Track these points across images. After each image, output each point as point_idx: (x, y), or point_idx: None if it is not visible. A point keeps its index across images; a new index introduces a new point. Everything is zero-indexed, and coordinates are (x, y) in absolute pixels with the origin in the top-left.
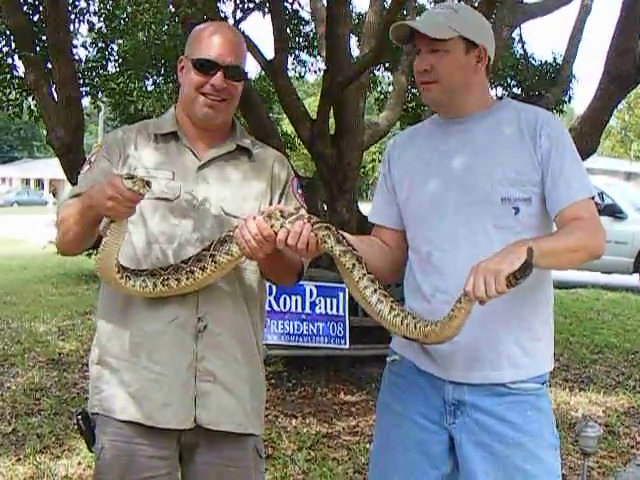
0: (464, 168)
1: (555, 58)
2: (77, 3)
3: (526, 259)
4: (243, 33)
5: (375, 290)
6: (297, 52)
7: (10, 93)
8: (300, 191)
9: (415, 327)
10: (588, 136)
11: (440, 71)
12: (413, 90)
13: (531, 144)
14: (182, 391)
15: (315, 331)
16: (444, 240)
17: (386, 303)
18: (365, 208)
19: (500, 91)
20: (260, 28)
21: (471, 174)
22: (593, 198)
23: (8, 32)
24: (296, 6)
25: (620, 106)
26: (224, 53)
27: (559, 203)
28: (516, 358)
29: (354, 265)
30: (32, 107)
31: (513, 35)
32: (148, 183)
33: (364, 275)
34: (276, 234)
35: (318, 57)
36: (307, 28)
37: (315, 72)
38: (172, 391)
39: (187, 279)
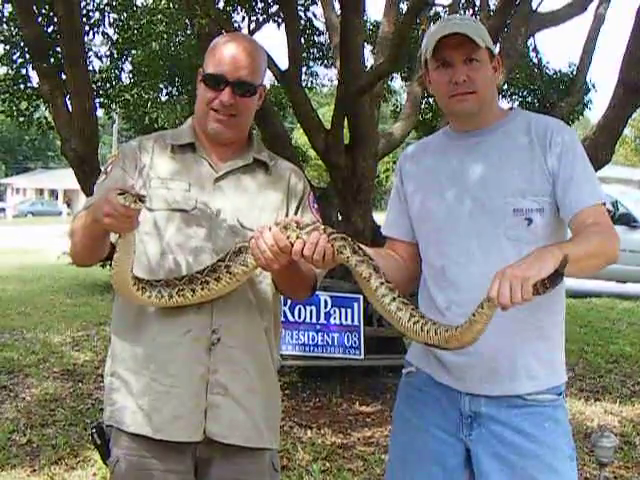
0: (476, 181)
1: (570, 67)
2: (92, 14)
3: (558, 268)
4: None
5: (394, 298)
6: (310, 63)
7: (20, 103)
8: (316, 205)
9: (436, 333)
10: (603, 145)
11: (478, 82)
12: (429, 100)
13: (542, 154)
14: (193, 404)
15: (330, 341)
16: (458, 253)
17: (406, 310)
18: (379, 218)
19: (516, 101)
20: (274, 38)
21: (483, 186)
22: (604, 205)
23: (23, 43)
24: (310, 15)
25: (634, 115)
26: (234, 68)
27: (572, 208)
28: (533, 369)
29: (371, 274)
30: (42, 118)
31: (527, 44)
32: (141, 198)
33: (382, 284)
34: (292, 245)
35: (332, 67)
36: (321, 38)
37: (330, 81)
38: (183, 404)
39: (202, 289)
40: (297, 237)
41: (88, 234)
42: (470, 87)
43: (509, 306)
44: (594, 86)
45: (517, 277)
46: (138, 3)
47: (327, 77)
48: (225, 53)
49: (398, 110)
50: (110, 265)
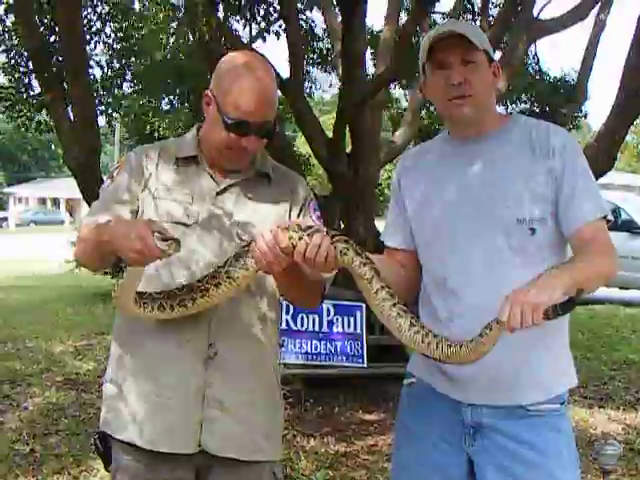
0: (478, 189)
1: (570, 74)
2: (93, 24)
3: (574, 297)
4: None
5: (394, 304)
6: (310, 69)
7: (22, 111)
8: (318, 213)
9: (437, 347)
10: (604, 153)
11: (475, 84)
12: (429, 107)
13: (544, 163)
14: (187, 416)
15: (333, 350)
16: (459, 263)
17: (406, 318)
18: (381, 225)
19: (517, 108)
20: (275, 46)
21: (486, 195)
22: (606, 217)
23: (25, 53)
24: (310, 23)
25: (636, 121)
26: (258, 112)
27: (573, 223)
28: (536, 380)
29: (373, 276)
30: (42, 121)
31: (528, 51)
32: (179, 243)
33: (382, 287)
34: (294, 247)
35: (333, 74)
36: (321, 45)
37: (331, 86)
38: (177, 416)
39: (202, 297)
40: (300, 238)
41: (96, 250)
42: (467, 90)
43: (518, 330)
44: (590, 92)
45: (529, 303)
46: (136, 8)
47: (329, 81)
48: (247, 93)
49: (397, 116)
50: (114, 285)
